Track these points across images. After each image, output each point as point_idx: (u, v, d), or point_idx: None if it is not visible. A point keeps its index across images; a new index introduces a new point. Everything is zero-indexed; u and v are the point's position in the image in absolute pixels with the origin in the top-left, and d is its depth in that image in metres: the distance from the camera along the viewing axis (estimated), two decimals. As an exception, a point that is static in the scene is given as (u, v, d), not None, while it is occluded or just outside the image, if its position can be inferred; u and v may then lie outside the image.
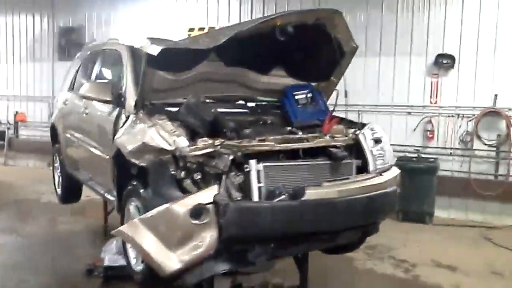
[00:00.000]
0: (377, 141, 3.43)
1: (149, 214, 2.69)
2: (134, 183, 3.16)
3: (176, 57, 3.14)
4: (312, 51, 3.73)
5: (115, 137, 3.34)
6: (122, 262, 4.50)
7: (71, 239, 5.41)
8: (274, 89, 3.91)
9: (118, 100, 3.66)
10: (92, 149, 4.07)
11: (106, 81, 4.45)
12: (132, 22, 8.74)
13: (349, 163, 3.26)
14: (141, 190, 3.05)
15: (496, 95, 6.24)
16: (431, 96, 6.63)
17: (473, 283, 4.31)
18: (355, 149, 3.39)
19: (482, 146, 6.39)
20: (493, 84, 6.32)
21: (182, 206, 2.62)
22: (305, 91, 3.83)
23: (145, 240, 2.67)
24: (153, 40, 3.13)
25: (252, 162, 2.86)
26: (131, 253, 3.26)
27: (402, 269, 4.56)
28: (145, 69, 3.19)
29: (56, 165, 5.75)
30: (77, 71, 5.29)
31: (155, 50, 3.01)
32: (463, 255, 5.00)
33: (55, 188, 5.81)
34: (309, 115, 3.71)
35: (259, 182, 2.84)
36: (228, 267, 2.74)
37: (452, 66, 6.46)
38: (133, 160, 3.01)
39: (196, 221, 2.60)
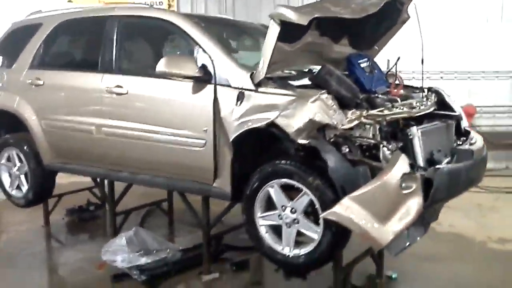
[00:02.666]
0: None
1: (361, 190, 2.58)
2: (283, 163, 2.99)
3: (292, 27, 2.97)
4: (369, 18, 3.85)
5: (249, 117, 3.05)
6: (143, 260, 4.10)
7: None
8: (340, 59, 3.93)
9: (207, 76, 3.31)
10: (159, 137, 3.52)
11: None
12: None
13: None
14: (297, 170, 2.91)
15: None
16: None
17: None
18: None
19: None
20: None
21: (393, 177, 2.60)
22: (365, 60, 3.94)
23: (360, 218, 2.58)
24: (291, 8, 2.90)
25: (414, 128, 2.96)
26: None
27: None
28: (276, 40, 2.93)
29: (2, 161, 4.73)
30: (43, 44, 4.38)
31: (303, 19, 2.81)
32: None
33: (4, 189, 4.77)
34: (378, 82, 3.85)
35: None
36: (422, 234, 2.85)
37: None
38: (300, 140, 2.81)
39: (405, 190, 2.64)
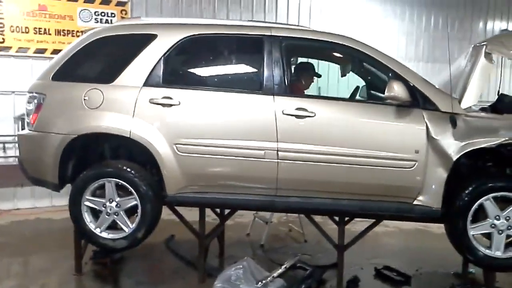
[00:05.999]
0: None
1: None
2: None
3: None
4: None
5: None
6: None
7: None
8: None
9: (416, 101, 3.57)
10: (358, 160, 3.61)
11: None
12: None
13: None
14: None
15: None
16: None
17: None
18: None
19: None
20: None
21: None
22: None
23: None
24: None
25: None
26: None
27: None
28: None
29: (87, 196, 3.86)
30: (165, 59, 3.81)
31: None
32: None
33: (85, 232, 3.88)
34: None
35: None
36: None
37: None
38: None
39: None
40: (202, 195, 3.78)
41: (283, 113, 3.62)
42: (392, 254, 5.36)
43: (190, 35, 3.83)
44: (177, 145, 3.70)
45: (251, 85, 3.76)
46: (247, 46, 3.84)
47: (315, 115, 3.62)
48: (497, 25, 10.29)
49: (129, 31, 3.95)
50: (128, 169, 3.76)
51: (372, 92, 4.29)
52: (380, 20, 9.20)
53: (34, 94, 3.96)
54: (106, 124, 3.74)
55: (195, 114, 3.72)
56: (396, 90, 3.43)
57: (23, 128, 7.00)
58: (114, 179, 3.77)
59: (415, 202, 3.63)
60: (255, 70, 3.79)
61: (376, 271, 4.77)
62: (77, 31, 7.09)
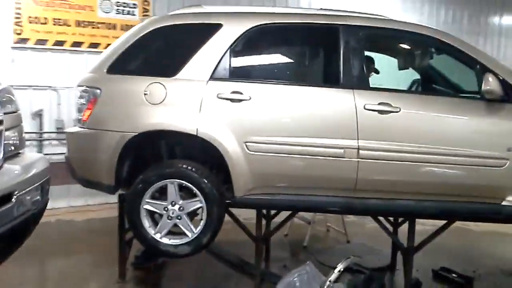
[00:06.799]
0: None
1: None
2: None
3: None
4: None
5: None
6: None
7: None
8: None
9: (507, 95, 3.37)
10: (448, 158, 3.39)
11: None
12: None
13: None
14: None
15: None
16: None
17: None
18: None
19: None
20: None
21: None
22: None
23: None
24: None
25: None
26: None
27: None
28: None
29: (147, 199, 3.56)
30: (233, 50, 3.54)
31: None
32: None
33: (144, 237, 3.57)
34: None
35: None
36: None
37: None
38: None
39: None
40: (273, 197, 3.52)
41: (365, 108, 3.39)
42: (441, 254, 5.18)
43: (258, 25, 3.56)
44: (248, 143, 3.44)
45: (327, 78, 3.53)
46: (322, 36, 3.60)
47: (399, 111, 3.39)
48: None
49: (191, 20, 3.66)
50: (193, 169, 3.49)
51: (436, 86, 4.09)
52: (399, 15, 9.03)
53: (87, 88, 3.65)
54: (170, 121, 3.46)
55: (267, 109, 3.46)
56: (492, 83, 3.23)
57: (40, 124, 6.70)
58: (177, 180, 3.49)
59: (504, 203, 3.43)
60: (331, 62, 3.55)
61: (434, 273, 4.58)
62: (98, 23, 6.76)
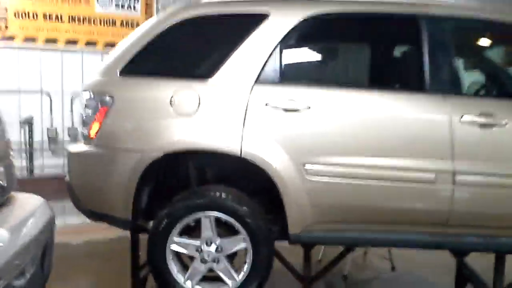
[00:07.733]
0: None
1: None
2: None
3: None
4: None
5: None
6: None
7: None
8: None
9: None
10: None
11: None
12: None
13: None
14: None
15: None
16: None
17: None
18: None
19: None
20: None
21: None
22: None
23: None
24: None
25: None
26: None
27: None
28: None
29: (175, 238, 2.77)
30: (280, 45, 2.75)
31: None
32: None
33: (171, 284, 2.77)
34: None
35: None
36: None
37: None
38: None
39: None
40: (341, 234, 2.76)
41: (462, 121, 2.64)
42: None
43: (315, 14, 2.78)
44: (307, 166, 2.67)
45: (407, 81, 2.77)
46: (402, 29, 2.83)
47: (506, 124, 2.65)
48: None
49: (227, 8, 2.88)
50: (235, 199, 2.72)
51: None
52: None
53: (95, 95, 2.84)
54: (206, 138, 2.68)
55: (331, 122, 2.69)
56: None
57: (30, 133, 5.86)
58: (215, 213, 2.71)
59: None
60: (411, 61, 2.79)
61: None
62: (95, 18, 5.99)
